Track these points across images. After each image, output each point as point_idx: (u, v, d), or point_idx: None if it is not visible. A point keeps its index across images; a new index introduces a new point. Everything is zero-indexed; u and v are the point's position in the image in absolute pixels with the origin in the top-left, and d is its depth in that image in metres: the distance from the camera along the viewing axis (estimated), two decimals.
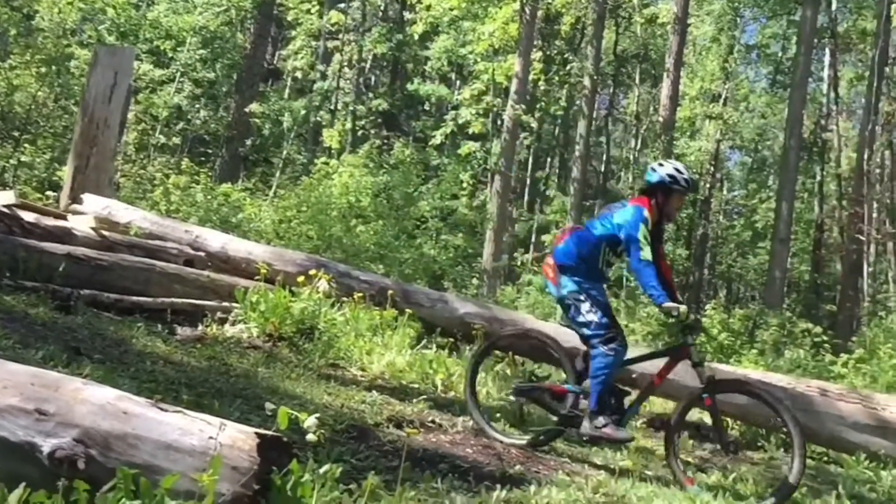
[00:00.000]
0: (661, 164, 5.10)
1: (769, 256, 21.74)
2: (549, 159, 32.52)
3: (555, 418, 5.14)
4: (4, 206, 7.15)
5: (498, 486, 3.66)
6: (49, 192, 13.79)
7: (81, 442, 2.29)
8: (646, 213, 4.88)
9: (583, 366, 5.10)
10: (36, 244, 6.50)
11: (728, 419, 7.58)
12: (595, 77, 22.59)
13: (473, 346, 7.05)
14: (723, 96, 27.86)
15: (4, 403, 2.33)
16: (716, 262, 31.52)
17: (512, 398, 5.51)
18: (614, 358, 4.87)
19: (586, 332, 4.96)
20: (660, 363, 5.21)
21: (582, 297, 4.98)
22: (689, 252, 28.54)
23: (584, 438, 4.93)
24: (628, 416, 5.10)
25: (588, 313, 4.94)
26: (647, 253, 4.77)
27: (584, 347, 5.12)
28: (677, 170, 5.02)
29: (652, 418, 7.55)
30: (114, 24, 23.14)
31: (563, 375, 5.37)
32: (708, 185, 28.96)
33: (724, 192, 33.28)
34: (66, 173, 10.93)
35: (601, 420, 4.82)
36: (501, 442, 4.90)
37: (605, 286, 5.24)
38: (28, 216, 7.29)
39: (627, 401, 5.09)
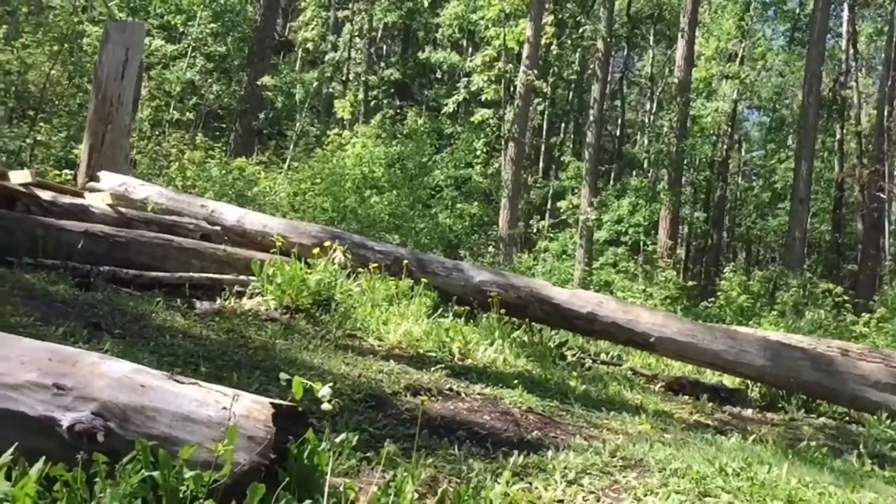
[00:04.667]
0: None
1: (788, 217, 21.55)
2: (563, 125, 32.28)
3: None
4: (21, 185, 7.19)
5: (515, 451, 3.67)
6: (66, 171, 13.87)
7: (100, 415, 2.31)
8: None
9: None
10: (54, 222, 6.54)
11: (748, 381, 7.60)
12: (608, 40, 22.30)
13: (490, 314, 7.05)
14: (739, 55, 27.47)
15: (23, 379, 2.36)
16: (734, 225, 31.34)
17: None
18: None
19: None
20: None
21: None
22: (707, 215, 28.36)
23: None
24: None
25: None
26: None
27: None
28: None
29: (670, 381, 7.56)
30: None
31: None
32: (725, 147, 28.69)
33: (742, 153, 32.96)
34: (81, 151, 10.98)
35: None
36: None
37: None
38: (45, 195, 7.33)
39: None
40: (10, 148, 15.12)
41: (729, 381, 7.82)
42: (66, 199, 7.59)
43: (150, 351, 4.42)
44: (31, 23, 18.63)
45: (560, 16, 25.00)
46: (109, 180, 9.25)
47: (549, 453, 3.73)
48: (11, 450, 2.20)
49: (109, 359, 2.58)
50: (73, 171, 12.71)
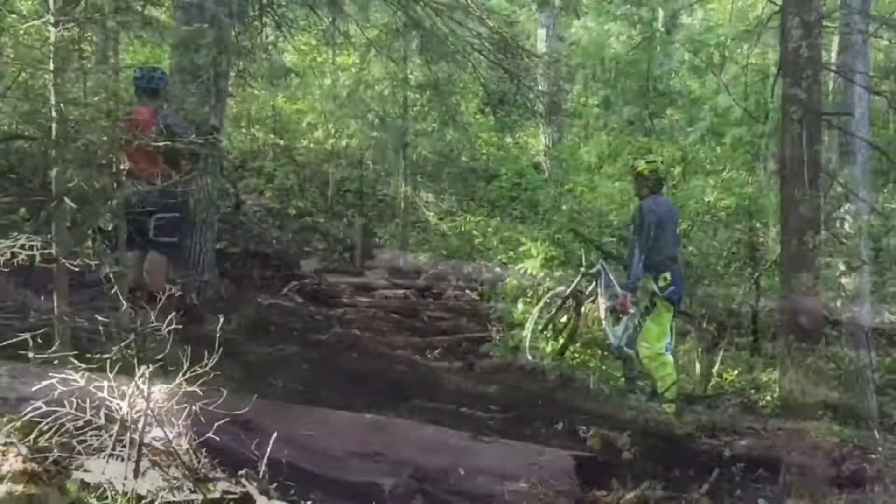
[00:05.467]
0: None
1: None
2: (826, 129, 29.76)
3: None
4: (312, 271, 8.08)
5: (835, 489, 3.37)
6: (345, 254, 15.09)
7: (414, 478, 2.47)
8: None
9: None
10: (340, 300, 7.22)
11: None
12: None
13: (776, 342, 6.59)
14: None
15: (347, 450, 2.59)
16: None
17: None
18: None
19: None
20: None
21: None
22: None
23: None
24: None
25: None
26: None
27: None
28: None
29: None
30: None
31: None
32: None
33: None
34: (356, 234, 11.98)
35: None
36: None
37: None
38: (331, 277, 8.16)
39: None
40: (297, 239, 16.88)
41: None
42: (349, 279, 8.39)
43: (444, 412, 4.62)
44: None
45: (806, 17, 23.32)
46: (381, 256, 10.11)
47: (877, 488, 3.38)
48: None
49: (416, 424, 2.77)
50: (349, 253, 13.82)
